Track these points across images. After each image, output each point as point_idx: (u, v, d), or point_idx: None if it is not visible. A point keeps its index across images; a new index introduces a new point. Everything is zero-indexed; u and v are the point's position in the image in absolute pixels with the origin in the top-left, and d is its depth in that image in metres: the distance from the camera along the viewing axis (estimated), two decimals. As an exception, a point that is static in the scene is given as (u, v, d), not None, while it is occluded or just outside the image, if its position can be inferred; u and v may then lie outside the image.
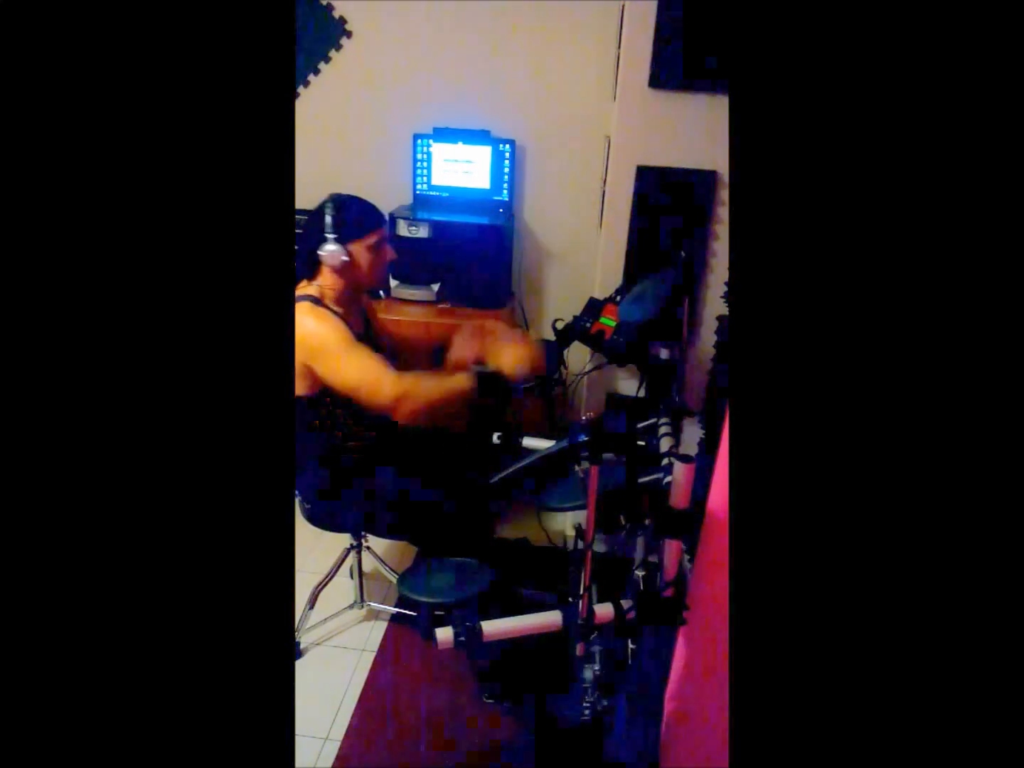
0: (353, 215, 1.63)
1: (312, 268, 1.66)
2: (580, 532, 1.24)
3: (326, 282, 1.67)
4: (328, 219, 1.60)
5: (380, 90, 2.57)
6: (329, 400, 1.68)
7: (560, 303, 2.71)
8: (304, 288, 1.68)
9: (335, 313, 1.65)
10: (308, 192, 2.39)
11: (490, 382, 1.61)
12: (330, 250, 1.61)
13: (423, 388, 1.57)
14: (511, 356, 1.63)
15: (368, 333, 1.87)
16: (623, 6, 1.85)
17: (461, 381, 1.59)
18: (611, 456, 1.30)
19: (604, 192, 2.04)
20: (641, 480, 1.35)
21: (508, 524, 2.47)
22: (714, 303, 1.97)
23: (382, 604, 2.13)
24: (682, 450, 1.43)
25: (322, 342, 1.57)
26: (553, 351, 1.75)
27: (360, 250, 1.64)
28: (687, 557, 1.40)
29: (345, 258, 1.62)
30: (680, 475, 1.17)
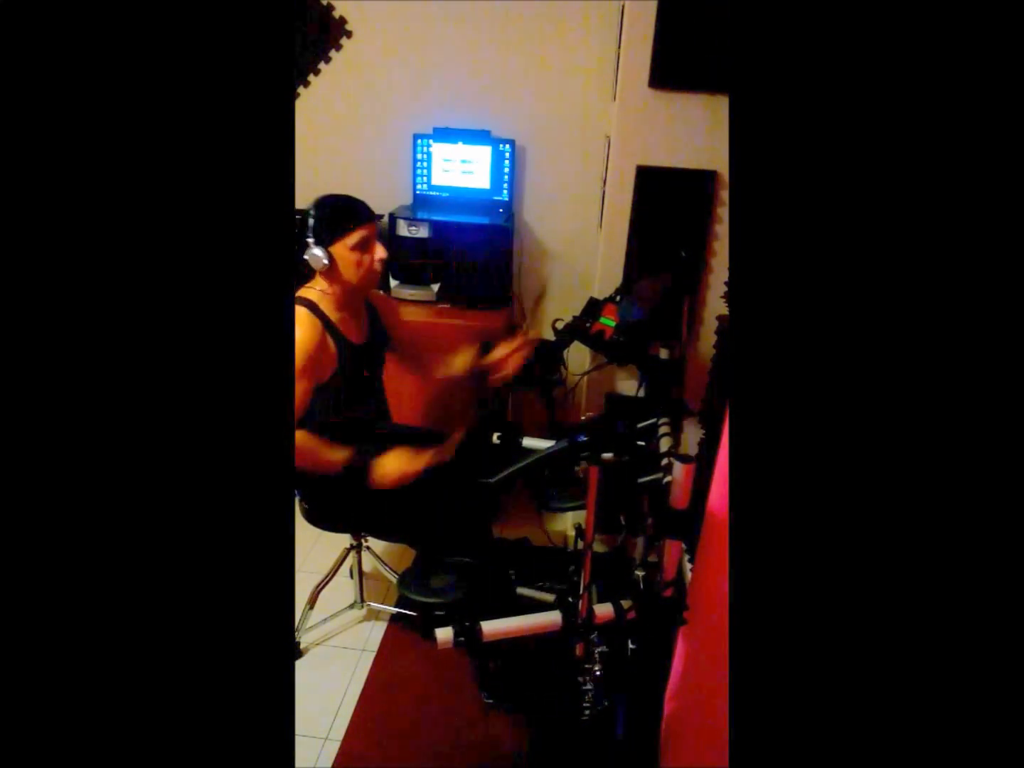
0: (330, 215, 1.59)
1: (307, 272, 1.65)
2: (580, 532, 1.24)
3: (322, 286, 1.66)
4: (309, 222, 1.58)
5: (380, 90, 2.57)
6: (312, 400, 1.68)
7: (560, 303, 2.71)
8: (305, 290, 1.67)
9: (327, 320, 1.65)
10: (309, 192, 2.39)
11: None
12: (312, 254, 1.59)
13: (306, 450, 1.58)
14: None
15: (374, 336, 1.86)
16: (623, 6, 1.85)
17: (339, 456, 1.61)
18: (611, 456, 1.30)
19: (604, 192, 2.04)
20: (641, 480, 1.35)
21: (508, 524, 2.47)
22: (714, 303, 1.97)
23: (382, 604, 2.13)
24: (682, 450, 1.43)
25: None
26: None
27: (342, 251, 1.60)
28: (687, 557, 1.40)
29: (326, 261, 1.59)
30: (680, 475, 1.16)
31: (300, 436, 1.57)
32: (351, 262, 1.62)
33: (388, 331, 1.90)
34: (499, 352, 1.87)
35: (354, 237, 1.60)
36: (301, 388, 1.57)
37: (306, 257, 1.60)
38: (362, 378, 1.81)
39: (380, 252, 1.65)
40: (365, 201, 1.67)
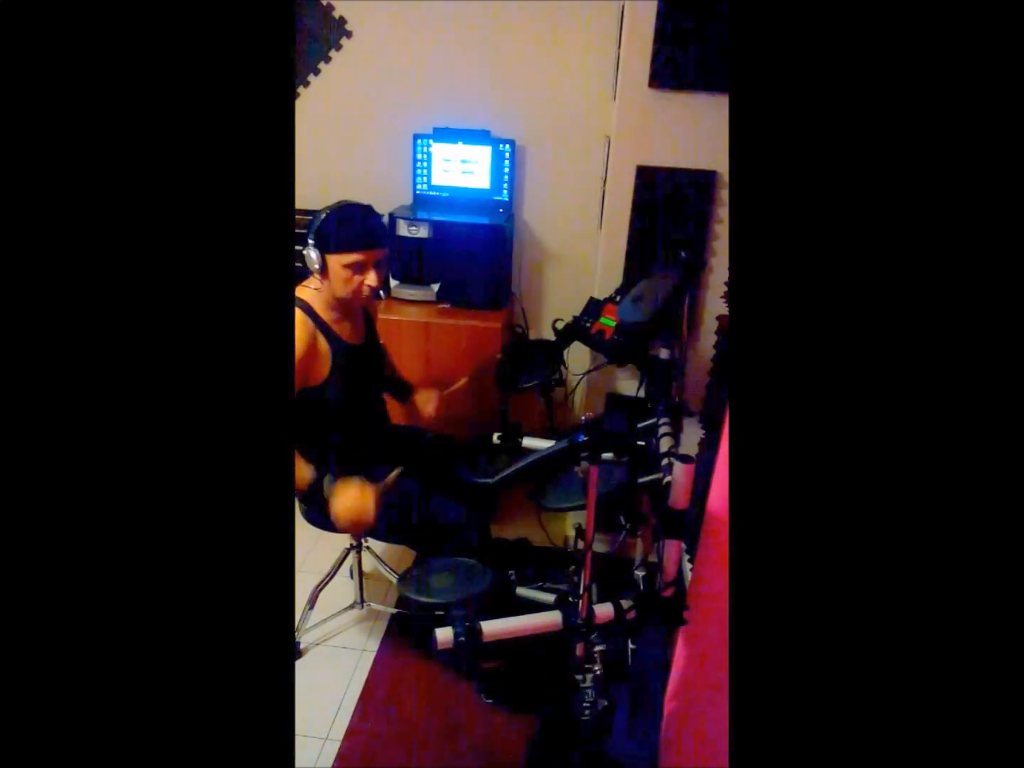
0: (336, 228, 1.59)
1: (304, 270, 1.66)
2: (580, 532, 1.24)
3: (316, 284, 1.66)
4: (316, 223, 1.59)
5: (380, 90, 2.57)
6: (309, 401, 1.68)
7: (560, 303, 2.71)
8: (300, 289, 1.67)
9: (320, 321, 1.65)
10: (308, 192, 2.40)
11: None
12: (308, 255, 1.60)
13: None
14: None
15: (371, 343, 1.86)
16: (623, 6, 1.85)
17: (303, 475, 1.58)
18: (611, 456, 1.30)
19: (604, 192, 2.04)
20: (641, 480, 1.35)
21: (508, 524, 2.47)
22: (714, 303, 1.97)
23: (382, 604, 2.13)
24: (682, 450, 1.43)
25: None
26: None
27: (336, 264, 1.60)
28: (687, 557, 1.40)
29: (318, 266, 1.60)
30: (680, 475, 1.16)
31: None
32: (341, 278, 1.62)
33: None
34: (419, 399, 2.01)
35: (350, 258, 1.60)
36: None
37: (304, 253, 1.61)
38: (360, 379, 1.80)
39: (372, 280, 1.64)
40: (375, 212, 1.66)
